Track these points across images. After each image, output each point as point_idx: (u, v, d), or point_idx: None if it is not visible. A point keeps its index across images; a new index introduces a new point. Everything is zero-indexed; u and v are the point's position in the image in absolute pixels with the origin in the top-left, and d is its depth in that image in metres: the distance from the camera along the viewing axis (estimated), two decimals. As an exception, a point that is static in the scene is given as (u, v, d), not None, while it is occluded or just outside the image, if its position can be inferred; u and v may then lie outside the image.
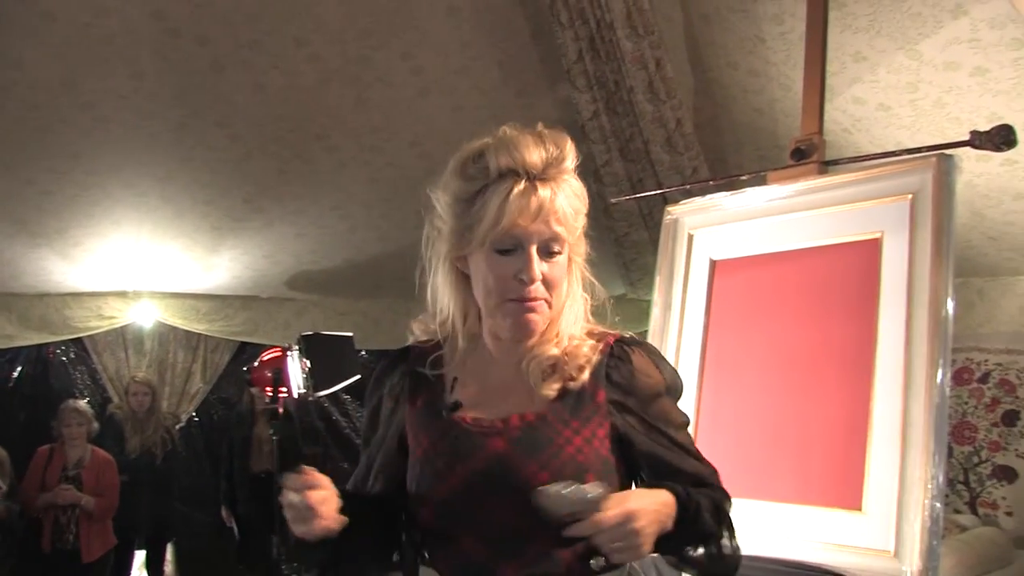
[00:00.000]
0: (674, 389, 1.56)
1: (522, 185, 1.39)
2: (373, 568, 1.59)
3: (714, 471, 1.55)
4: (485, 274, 1.42)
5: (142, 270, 5.78)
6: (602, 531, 1.28)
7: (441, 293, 1.52)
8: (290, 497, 1.38)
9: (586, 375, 1.46)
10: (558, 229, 1.41)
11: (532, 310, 1.43)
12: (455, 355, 1.54)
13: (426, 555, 1.52)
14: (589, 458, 1.42)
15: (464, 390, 1.50)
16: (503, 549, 1.42)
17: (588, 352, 1.48)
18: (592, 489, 1.30)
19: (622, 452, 1.47)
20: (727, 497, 1.53)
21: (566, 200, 1.42)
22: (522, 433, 1.44)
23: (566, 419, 1.44)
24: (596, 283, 1.56)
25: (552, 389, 1.45)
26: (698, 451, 1.55)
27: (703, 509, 1.42)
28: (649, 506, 1.33)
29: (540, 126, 1.47)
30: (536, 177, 1.40)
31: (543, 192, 1.39)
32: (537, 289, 1.41)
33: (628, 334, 1.55)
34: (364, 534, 1.49)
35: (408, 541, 1.55)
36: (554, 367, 1.46)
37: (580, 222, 1.47)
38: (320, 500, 1.37)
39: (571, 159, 1.45)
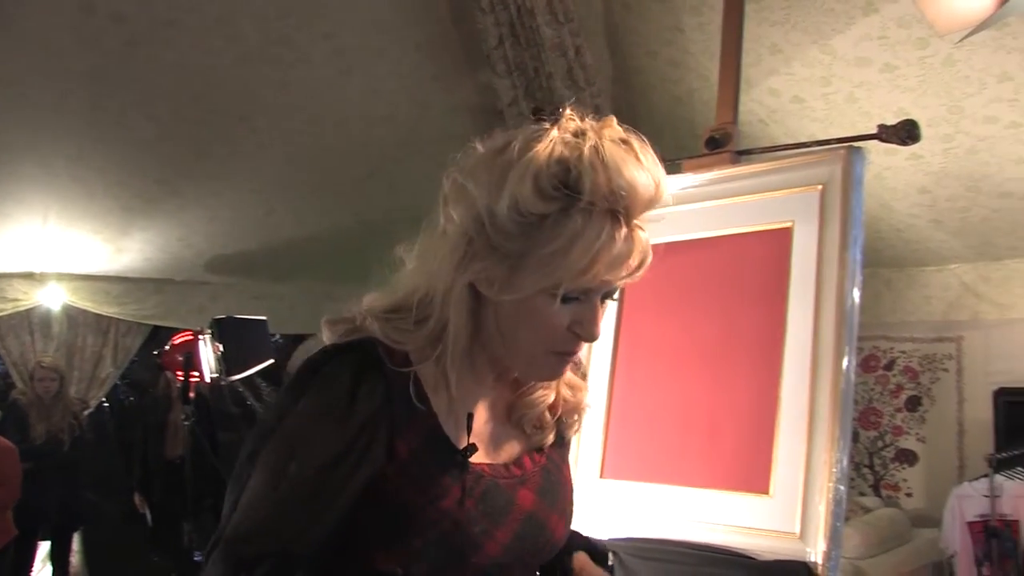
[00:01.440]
0: None
1: (624, 229, 1.12)
2: None
3: None
4: (539, 319, 1.12)
5: (50, 251, 5.60)
6: None
7: (452, 311, 1.14)
8: None
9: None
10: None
11: (571, 362, 1.23)
12: (439, 381, 1.17)
13: None
14: (572, 497, 1.32)
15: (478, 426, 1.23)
16: None
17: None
18: None
19: None
20: None
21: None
22: (542, 480, 1.25)
23: (558, 454, 1.32)
24: None
25: (550, 425, 1.29)
26: None
27: None
28: None
29: (629, 136, 1.17)
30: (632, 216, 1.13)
31: (641, 237, 1.16)
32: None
33: None
34: None
35: None
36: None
37: None
38: None
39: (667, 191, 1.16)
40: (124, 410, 7.78)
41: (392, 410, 1.12)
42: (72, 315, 6.11)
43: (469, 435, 1.16)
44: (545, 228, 1.07)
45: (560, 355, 1.17)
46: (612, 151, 1.09)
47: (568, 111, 1.13)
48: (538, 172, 1.05)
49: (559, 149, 1.07)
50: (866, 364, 5.94)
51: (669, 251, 2.58)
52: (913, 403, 5.74)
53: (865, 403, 5.93)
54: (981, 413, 5.39)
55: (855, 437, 5.65)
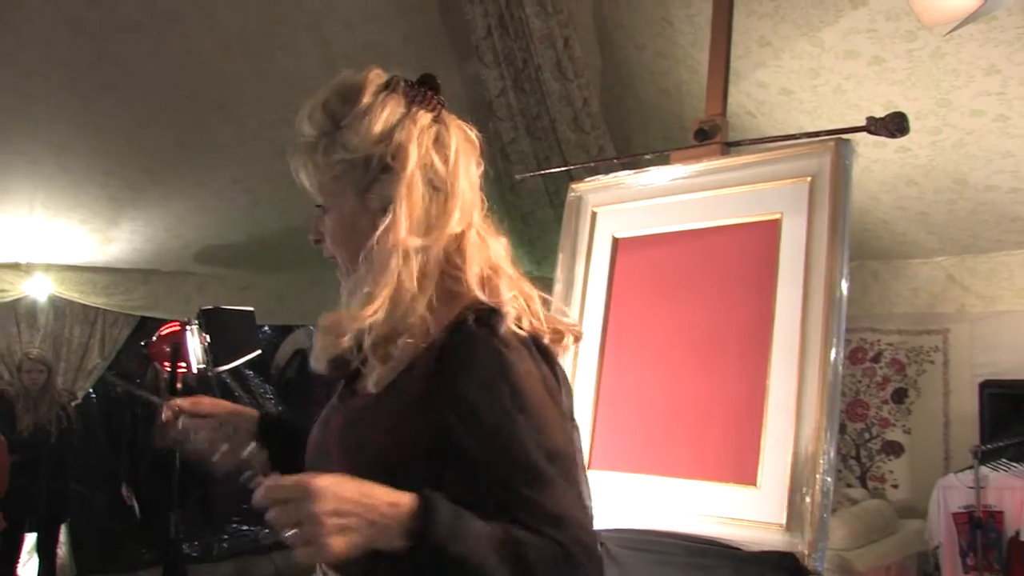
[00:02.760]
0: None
1: None
2: None
3: (563, 516, 1.13)
4: None
5: (36, 241, 5.56)
6: (273, 500, 1.04)
7: None
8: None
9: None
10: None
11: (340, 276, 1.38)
12: None
13: None
14: (390, 455, 1.20)
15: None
16: None
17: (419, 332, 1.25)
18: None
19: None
20: (569, 555, 1.11)
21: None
22: (351, 416, 1.29)
23: (385, 408, 1.24)
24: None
25: (370, 364, 1.25)
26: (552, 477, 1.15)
27: (476, 543, 1.06)
28: (351, 494, 1.04)
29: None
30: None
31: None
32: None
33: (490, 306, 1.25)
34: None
35: None
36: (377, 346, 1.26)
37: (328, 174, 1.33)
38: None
39: (306, 125, 1.35)
40: (111, 401, 7.73)
41: None
42: (59, 306, 6.07)
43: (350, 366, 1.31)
44: None
45: None
46: None
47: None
48: None
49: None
50: (853, 356, 5.96)
51: (657, 242, 2.60)
52: (899, 395, 5.77)
53: (852, 395, 5.96)
54: (966, 405, 5.42)
55: (842, 429, 5.67)
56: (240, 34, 4.36)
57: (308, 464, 1.32)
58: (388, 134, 1.27)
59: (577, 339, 1.38)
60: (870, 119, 2.37)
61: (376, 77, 1.34)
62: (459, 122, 1.35)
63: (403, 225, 1.24)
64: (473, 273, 1.27)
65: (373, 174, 1.28)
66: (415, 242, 1.24)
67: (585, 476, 1.26)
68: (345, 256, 1.33)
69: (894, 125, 2.34)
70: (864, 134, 2.40)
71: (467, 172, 1.32)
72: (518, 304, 1.25)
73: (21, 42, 4.08)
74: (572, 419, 1.28)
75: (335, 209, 1.32)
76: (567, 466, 1.18)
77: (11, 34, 4.03)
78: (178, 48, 4.33)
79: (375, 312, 1.22)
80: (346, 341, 1.24)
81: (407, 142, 1.26)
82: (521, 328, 1.23)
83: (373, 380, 1.24)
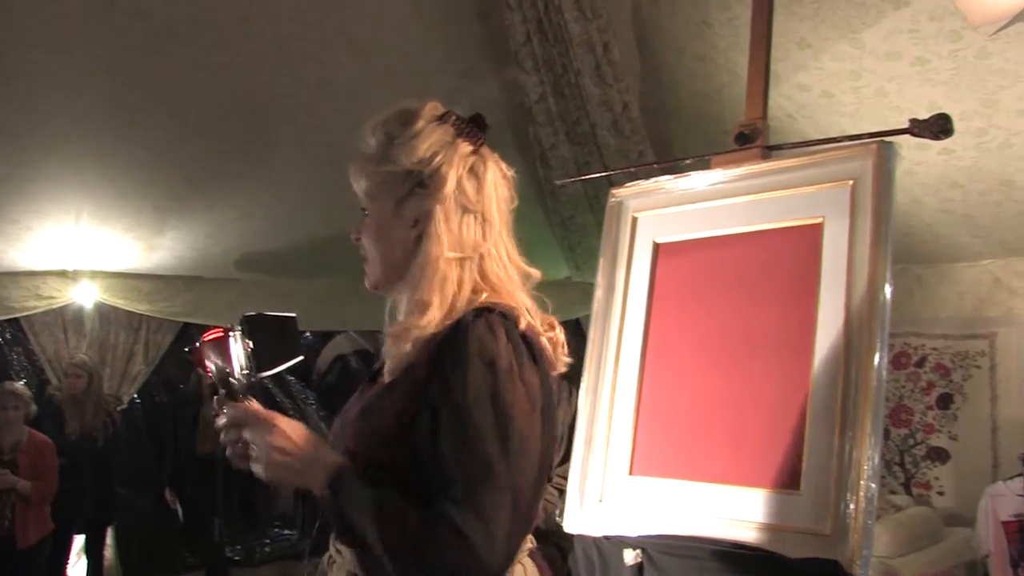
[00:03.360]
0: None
1: None
2: None
3: (483, 510, 1.25)
4: None
5: (82, 249, 5.65)
6: (239, 418, 1.37)
7: None
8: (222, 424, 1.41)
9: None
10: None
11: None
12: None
13: None
14: (393, 430, 1.37)
15: None
16: None
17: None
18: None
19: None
20: (441, 535, 1.24)
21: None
22: (368, 401, 1.46)
23: (393, 393, 1.41)
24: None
25: (393, 363, 1.44)
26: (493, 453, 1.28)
27: (357, 509, 1.28)
28: (299, 441, 1.34)
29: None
30: None
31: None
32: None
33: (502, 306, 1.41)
34: None
35: None
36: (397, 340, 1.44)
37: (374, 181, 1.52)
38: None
39: (368, 136, 1.53)
40: (155, 407, 7.83)
41: None
42: (104, 312, 6.16)
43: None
44: None
45: None
46: None
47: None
48: None
49: None
50: (896, 361, 5.88)
51: (698, 247, 2.58)
52: (945, 401, 5.68)
53: (896, 400, 5.87)
54: (1015, 411, 5.32)
55: (885, 435, 5.60)
56: (279, 45, 4.41)
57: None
58: (430, 157, 1.44)
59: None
60: (913, 121, 2.34)
61: (433, 108, 1.50)
62: (497, 158, 1.53)
63: (444, 241, 1.43)
64: (490, 285, 1.45)
65: (409, 187, 1.46)
66: (454, 255, 1.43)
67: (543, 474, 1.37)
68: (376, 254, 1.52)
69: (938, 127, 2.31)
70: (906, 136, 2.37)
71: (498, 201, 1.50)
72: (519, 311, 1.41)
73: (64, 53, 4.15)
74: (547, 408, 1.40)
75: (374, 213, 1.52)
76: (518, 461, 1.29)
77: (62, 53, 4.11)
78: (220, 61, 4.39)
79: (432, 318, 1.39)
80: (410, 347, 1.39)
81: (445, 167, 1.44)
82: (516, 325, 1.38)
83: (388, 369, 1.44)
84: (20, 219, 5.20)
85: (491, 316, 1.37)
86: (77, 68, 4.23)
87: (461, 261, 1.44)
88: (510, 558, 1.32)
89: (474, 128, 1.51)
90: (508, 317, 1.38)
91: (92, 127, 4.58)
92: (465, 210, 1.45)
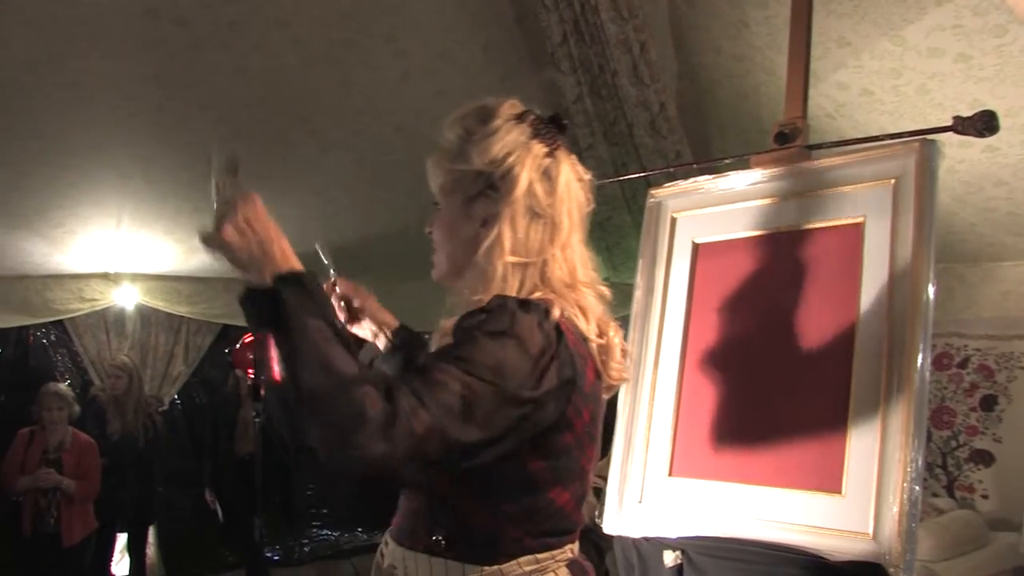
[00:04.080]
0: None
1: None
2: None
3: (426, 402, 1.19)
4: None
5: (124, 252, 5.73)
6: (224, 200, 1.33)
7: None
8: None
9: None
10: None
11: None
12: None
13: None
14: None
15: None
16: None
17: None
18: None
19: None
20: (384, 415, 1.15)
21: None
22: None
23: None
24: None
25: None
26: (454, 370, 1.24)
27: (303, 323, 1.22)
28: (266, 223, 1.31)
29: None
30: None
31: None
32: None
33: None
34: None
35: None
36: None
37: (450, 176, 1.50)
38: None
39: (446, 131, 1.50)
40: (195, 408, 7.92)
41: None
42: (145, 314, 6.24)
43: None
44: None
45: None
46: None
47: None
48: None
49: None
50: (938, 362, 5.81)
51: (738, 247, 2.56)
52: (988, 402, 5.60)
53: (937, 402, 5.81)
54: (1062, 413, 5.25)
55: (927, 437, 5.53)
56: (321, 49, 4.44)
57: None
58: (503, 158, 1.43)
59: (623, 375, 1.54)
60: (957, 118, 2.31)
61: (511, 107, 1.49)
62: (575, 161, 1.52)
63: (507, 245, 1.41)
64: (550, 289, 1.42)
65: (480, 187, 1.45)
66: (516, 260, 1.41)
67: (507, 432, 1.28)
68: (444, 249, 1.53)
69: (983, 124, 2.27)
70: (948, 134, 2.34)
71: (570, 205, 1.47)
72: (558, 304, 1.39)
73: (109, 61, 4.22)
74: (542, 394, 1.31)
75: (445, 209, 1.51)
76: (487, 400, 1.23)
77: (99, 52, 4.17)
78: (259, 63, 4.43)
79: None
80: None
81: (518, 169, 1.43)
82: (549, 315, 1.35)
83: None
84: (64, 223, 5.28)
85: (530, 304, 1.35)
86: (127, 75, 4.30)
87: (524, 266, 1.42)
88: (411, 458, 1.17)
89: (551, 128, 1.49)
90: (549, 310, 1.35)
91: (137, 132, 4.65)
92: (534, 214, 1.43)
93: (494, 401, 1.24)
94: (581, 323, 1.41)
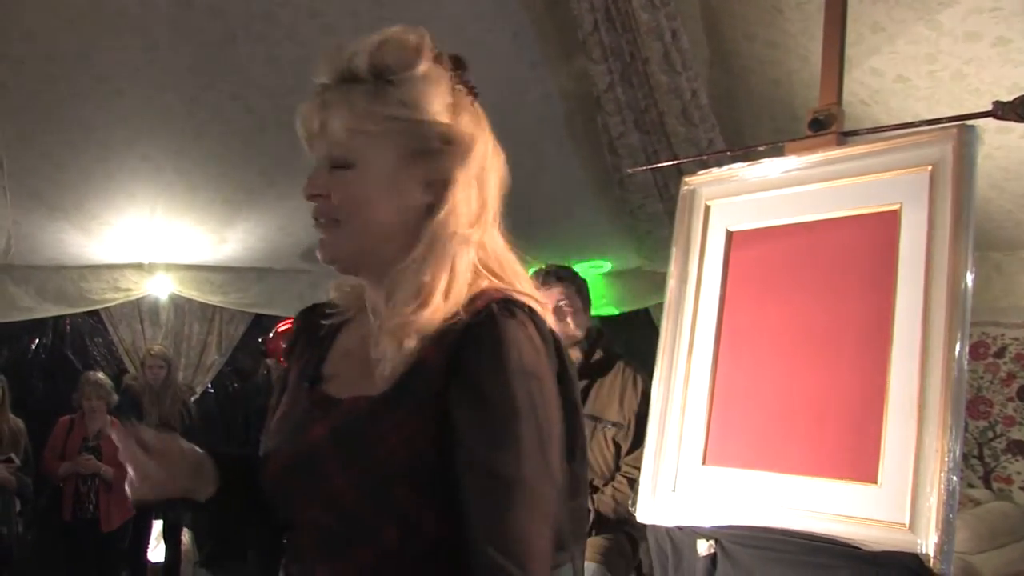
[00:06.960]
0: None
1: (312, 101, 1.26)
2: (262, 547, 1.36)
3: (518, 542, 1.04)
4: None
5: (157, 242, 5.79)
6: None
7: None
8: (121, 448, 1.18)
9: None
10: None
11: (322, 240, 1.22)
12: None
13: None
14: (401, 460, 1.09)
15: (340, 359, 1.27)
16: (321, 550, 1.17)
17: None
18: None
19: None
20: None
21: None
22: (346, 421, 1.16)
23: (394, 409, 1.11)
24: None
25: (378, 369, 1.13)
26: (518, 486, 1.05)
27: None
28: None
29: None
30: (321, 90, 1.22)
31: (315, 103, 1.27)
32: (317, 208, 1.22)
33: (519, 295, 1.16)
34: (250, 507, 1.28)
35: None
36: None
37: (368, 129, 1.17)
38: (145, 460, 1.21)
39: (356, 61, 1.19)
40: (228, 396, 7.99)
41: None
42: (178, 304, 6.31)
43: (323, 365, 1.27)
44: None
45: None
46: None
47: None
48: None
49: None
50: (975, 351, 5.73)
51: (772, 235, 2.55)
52: (1026, 392, 5.54)
53: (973, 392, 5.74)
54: (1101, 403, 5.17)
55: (963, 427, 5.48)
56: (351, 37, 4.44)
57: (277, 480, 1.22)
58: (453, 111, 1.17)
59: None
60: (996, 103, 2.28)
61: (430, 43, 1.22)
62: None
63: (463, 214, 1.15)
64: (489, 271, 1.19)
65: (429, 144, 1.15)
66: (471, 232, 1.16)
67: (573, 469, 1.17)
68: (357, 221, 1.18)
69: None
70: (986, 120, 2.31)
71: (495, 168, 1.22)
72: (533, 301, 1.16)
73: (142, 51, 4.25)
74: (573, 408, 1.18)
75: (366, 166, 1.17)
76: (551, 478, 1.08)
77: (132, 43, 4.20)
78: (291, 53, 4.44)
79: (437, 307, 1.12)
80: (412, 343, 1.11)
81: (476, 129, 1.19)
82: (544, 322, 1.15)
83: (387, 373, 1.12)
84: (100, 214, 5.34)
85: (520, 313, 1.11)
86: (160, 65, 4.33)
87: (470, 245, 1.16)
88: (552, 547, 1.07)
89: (466, 74, 1.23)
90: (536, 313, 1.13)
91: (173, 124, 4.69)
92: (478, 179, 1.18)
93: (557, 476, 1.10)
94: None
